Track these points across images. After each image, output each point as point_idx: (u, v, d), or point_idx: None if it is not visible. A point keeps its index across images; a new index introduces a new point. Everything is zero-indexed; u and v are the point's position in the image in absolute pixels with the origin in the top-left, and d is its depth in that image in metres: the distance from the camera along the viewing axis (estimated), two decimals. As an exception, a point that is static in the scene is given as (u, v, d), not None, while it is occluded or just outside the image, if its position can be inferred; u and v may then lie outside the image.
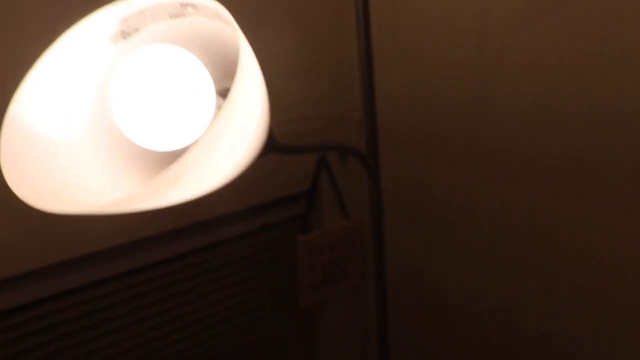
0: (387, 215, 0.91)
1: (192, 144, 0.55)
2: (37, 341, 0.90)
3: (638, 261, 0.83)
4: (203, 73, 0.53)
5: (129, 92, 0.51)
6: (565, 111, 0.85)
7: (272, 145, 0.67)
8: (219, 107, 0.58)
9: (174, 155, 0.60)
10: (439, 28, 0.97)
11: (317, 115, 1.09)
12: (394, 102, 1.04)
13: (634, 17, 0.76)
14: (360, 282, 1.19)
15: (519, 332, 1.00)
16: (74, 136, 0.51)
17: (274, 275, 1.13)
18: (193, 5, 0.52)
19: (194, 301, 1.05)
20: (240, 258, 1.09)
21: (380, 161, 0.95)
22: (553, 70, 0.85)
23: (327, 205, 1.14)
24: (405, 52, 1.03)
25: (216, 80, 0.58)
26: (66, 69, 0.49)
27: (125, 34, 0.53)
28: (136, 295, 0.98)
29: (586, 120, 0.83)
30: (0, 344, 0.87)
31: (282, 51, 0.92)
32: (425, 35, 0.99)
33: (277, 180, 1.08)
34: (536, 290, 0.96)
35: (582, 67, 0.82)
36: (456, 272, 1.08)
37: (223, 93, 0.62)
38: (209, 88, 0.54)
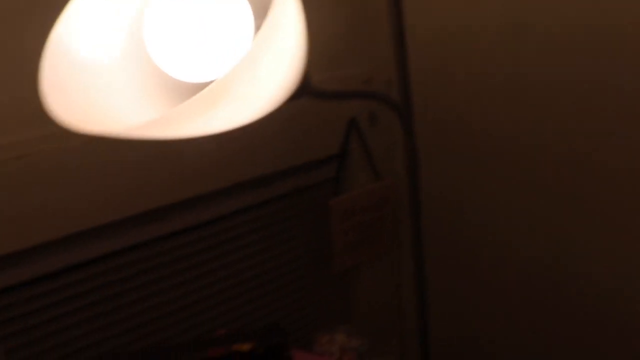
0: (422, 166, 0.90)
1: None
2: (83, 303, 0.91)
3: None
4: (241, 2, 0.53)
5: (162, 22, 0.51)
6: (608, 39, 0.82)
7: (308, 87, 0.67)
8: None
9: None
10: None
11: (343, 76, 1.09)
12: (425, 41, 1.01)
13: None
14: (393, 243, 1.19)
15: (564, 280, 0.99)
16: (110, 63, 0.52)
17: (307, 238, 1.13)
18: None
19: (227, 266, 1.05)
20: (273, 222, 1.09)
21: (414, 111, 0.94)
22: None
23: (358, 167, 1.13)
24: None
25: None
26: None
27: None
28: (172, 260, 0.99)
29: (629, 46, 0.81)
30: (53, 304, 0.89)
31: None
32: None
33: (308, 143, 1.07)
34: (583, 236, 0.94)
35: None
36: (494, 221, 1.06)
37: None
38: (247, 18, 0.54)
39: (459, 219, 1.12)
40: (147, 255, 0.96)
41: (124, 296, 0.95)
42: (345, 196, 1.10)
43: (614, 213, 0.91)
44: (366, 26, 1.11)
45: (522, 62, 0.93)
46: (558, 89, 0.91)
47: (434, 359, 0.94)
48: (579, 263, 0.97)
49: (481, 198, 1.07)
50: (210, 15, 0.52)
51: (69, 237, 0.87)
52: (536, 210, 1.00)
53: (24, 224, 0.83)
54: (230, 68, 0.44)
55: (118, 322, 0.94)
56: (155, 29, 0.51)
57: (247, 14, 0.54)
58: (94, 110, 0.50)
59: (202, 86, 0.59)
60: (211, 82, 0.59)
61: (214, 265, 1.03)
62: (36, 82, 0.81)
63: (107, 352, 0.89)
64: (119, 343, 0.94)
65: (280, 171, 1.06)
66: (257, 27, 0.59)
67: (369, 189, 1.12)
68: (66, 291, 0.89)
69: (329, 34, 1.06)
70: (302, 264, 1.14)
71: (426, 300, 0.94)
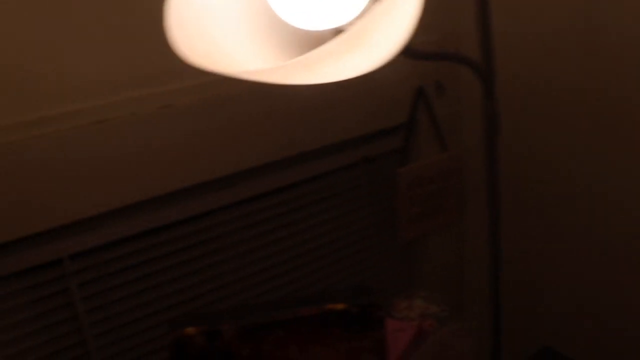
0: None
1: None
2: (165, 264, 0.92)
3: None
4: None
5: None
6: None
7: (409, 44, 0.66)
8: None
9: (318, 38, 0.60)
10: None
11: (413, 43, 1.07)
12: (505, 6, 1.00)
13: None
14: (458, 215, 1.18)
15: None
16: (231, 4, 0.52)
17: (373, 208, 1.12)
18: None
19: (294, 235, 1.05)
20: (341, 191, 1.08)
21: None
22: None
23: (425, 137, 1.12)
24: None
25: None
26: None
27: None
28: (242, 227, 0.99)
29: None
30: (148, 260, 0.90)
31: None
32: None
33: (376, 112, 1.07)
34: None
35: None
36: (570, 186, 1.04)
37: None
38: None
39: (534, 185, 1.10)
40: (221, 221, 0.96)
41: (199, 260, 0.96)
42: (413, 165, 1.09)
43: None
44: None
45: (598, 16, 0.91)
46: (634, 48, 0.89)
47: (505, 326, 0.93)
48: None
49: (558, 163, 1.05)
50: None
51: (152, 200, 0.88)
52: (623, 174, 0.97)
53: (104, 187, 0.84)
54: (372, 13, 0.44)
55: (194, 286, 0.96)
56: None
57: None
58: (214, 49, 0.50)
59: (312, 34, 0.59)
60: (326, 31, 0.59)
61: (281, 233, 1.03)
62: (116, 49, 0.82)
63: (190, 311, 0.89)
64: (199, 304, 0.95)
65: (348, 140, 1.06)
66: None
67: (437, 159, 1.11)
68: (150, 252, 0.91)
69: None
70: (369, 234, 1.13)
71: (500, 272, 0.93)
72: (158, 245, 0.91)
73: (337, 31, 0.60)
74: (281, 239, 1.03)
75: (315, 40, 0.62)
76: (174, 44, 0.49)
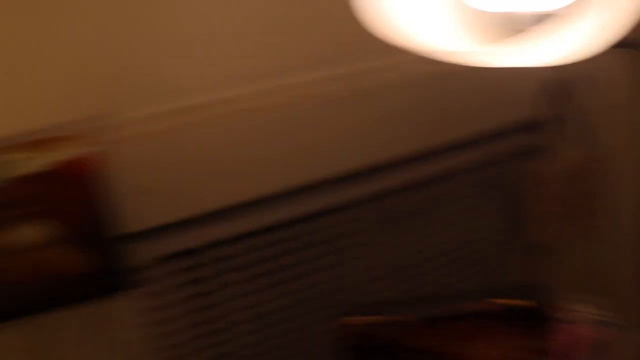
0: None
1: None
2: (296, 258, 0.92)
3: None
4: None
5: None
6: None
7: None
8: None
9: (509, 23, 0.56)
10: None
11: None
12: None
13: None
14: (599, 220, 1.11)
15: None
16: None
17: (506, 208, 1.07)
18: None
19: (428, 236, 1.02)
20: (474, 189, 1.04)
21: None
22: None
23: (566, 133, 1.06)
24: None
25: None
26: None
27: None
28: (368, 227, 0.97)
29: None
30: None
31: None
32: None
33: (513, 105, 1.01)
34: None
35: None
36: None
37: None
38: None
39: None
40: (355, 216, 0.95)
41: (334, 254, 0.94)
42: (553, 164, 1.04)
43: None
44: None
45: None
46: None
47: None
48: None
49: None
50: None
51: (284, 192, 0.87)
52: None
53: (249, 175, 0.84)
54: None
55: (325, 281, 0.94)
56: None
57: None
58: (414, 29, 0.48)
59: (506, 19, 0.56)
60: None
61: (414, 233, 1.00)
62: (255, 42, 0.81)
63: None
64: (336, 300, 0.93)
65: (481, 135, 1.01)
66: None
67: (578, 157, 1.05)
68: (292, 242, 0.90)
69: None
70: (503, 234, 1.08)
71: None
72: (302, 236, 0.90)
73: (535, 16, 0.56)
74: (413, 239, 1.00)
75: (505, 26, 0.58)
76: (369, 23, 0.48)
